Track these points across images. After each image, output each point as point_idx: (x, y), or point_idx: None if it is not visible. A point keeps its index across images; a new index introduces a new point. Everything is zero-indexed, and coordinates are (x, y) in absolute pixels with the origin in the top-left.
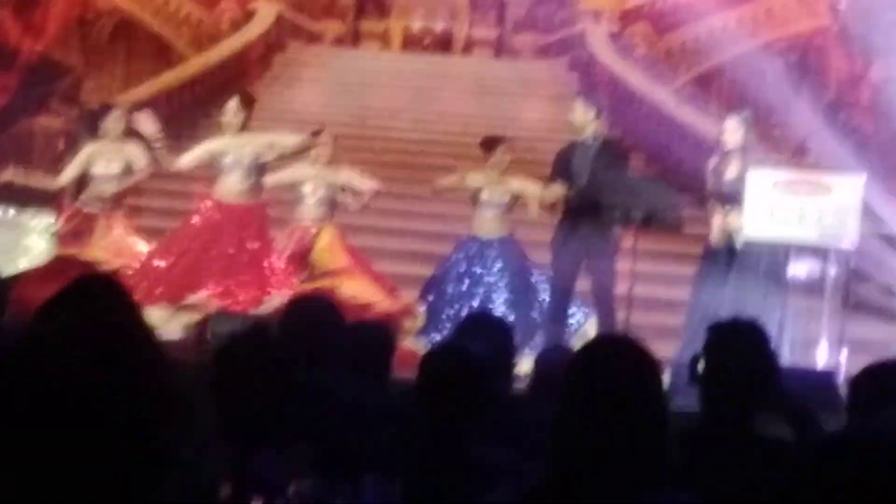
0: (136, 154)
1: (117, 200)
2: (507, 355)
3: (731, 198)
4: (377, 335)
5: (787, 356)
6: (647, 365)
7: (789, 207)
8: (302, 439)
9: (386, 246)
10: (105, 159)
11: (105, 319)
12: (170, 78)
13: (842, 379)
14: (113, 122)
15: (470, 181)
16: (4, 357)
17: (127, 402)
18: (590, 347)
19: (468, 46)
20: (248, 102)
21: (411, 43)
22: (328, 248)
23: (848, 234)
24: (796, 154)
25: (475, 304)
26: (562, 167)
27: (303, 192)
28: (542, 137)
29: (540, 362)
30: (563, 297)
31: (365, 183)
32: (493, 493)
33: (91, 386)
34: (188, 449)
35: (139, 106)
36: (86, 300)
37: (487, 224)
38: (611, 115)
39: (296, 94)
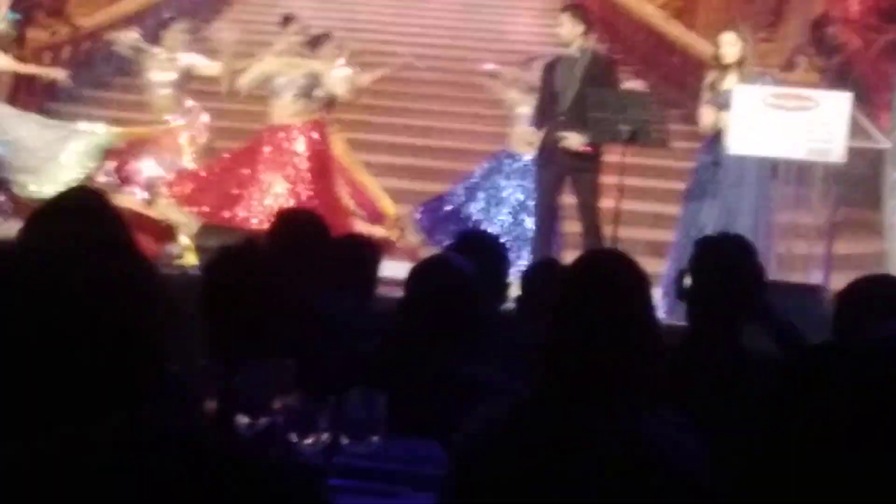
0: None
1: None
2: (498, 274)
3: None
4: (362, 250)
5: (775, 271)
6: (635, 279)
7: (776, 123)
8: (287, 354)
9: (374, 160)
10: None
11: (92, 230)
12: None
13: (828, 294)
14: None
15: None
16: None
17: (116, 312)
18: (578, 263)
19: None
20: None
21: None
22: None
23: (835, 150)
24: (785, 68)
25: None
26: (548, 81)
27: (276, 85)
28: (528, 51)
29: (527, 278)
30: (547, 212)
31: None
32: (479, 408)
33: (79, 295)
34: (175, 364)
35: (125, 19)
36: (72, 212)
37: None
38: (598, 29)
39: (282, 5)
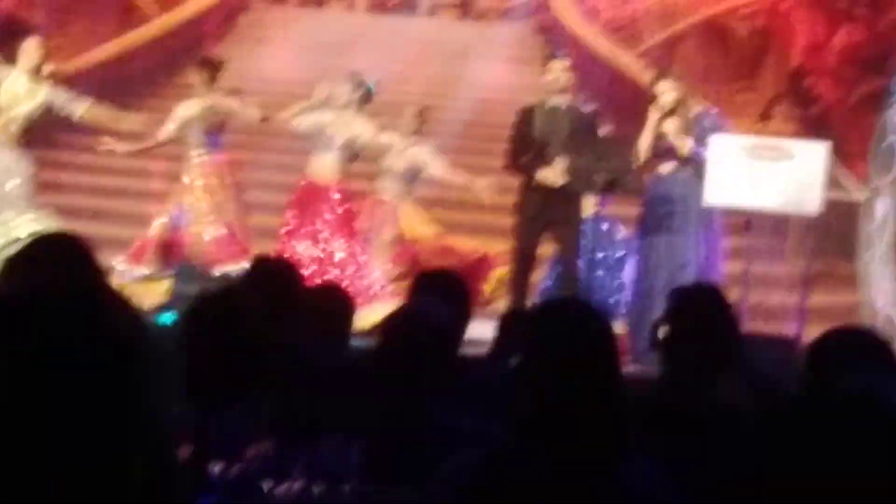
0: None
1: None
2: (463, 316)
3: (669, 153)
4: (337, 297)
5: (748, 322)
6: (601, 328)
7: (752, 173)
8: (262, 400)
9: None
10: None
11: (73, 277)
12: (133, 38)
13: (802, 345)
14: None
15: None
16: None
17: (102, 361)
18: (546, 310)
19: (433, 8)
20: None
21: (377, 4)
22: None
23: (812, 201)
24: (761, 119)
25: None
26: (526, 128)
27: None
28: (506, 100)
29: (502, 326)
30: (524, 261)
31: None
32: (454, 457)
33: (76, 349)
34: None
35: (103, 65)
36: (49, 257)
37: None
38: (576, 79)
39: (261, 54)
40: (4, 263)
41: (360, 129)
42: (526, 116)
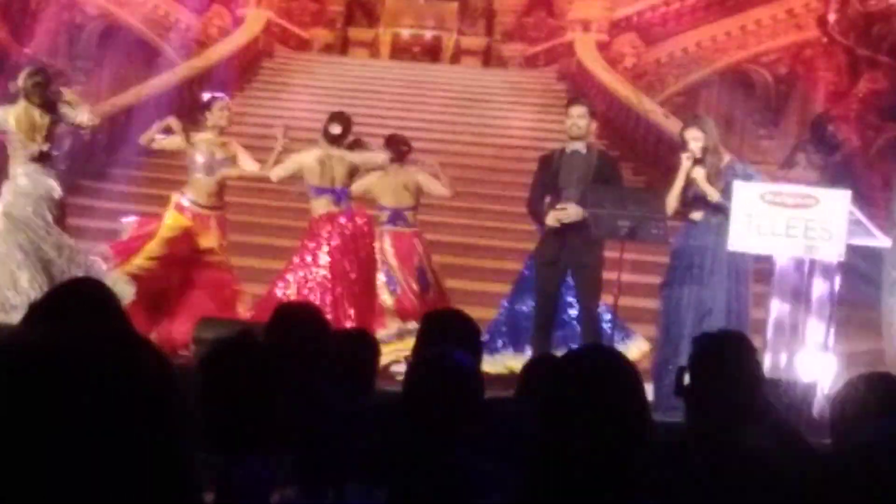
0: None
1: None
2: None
3: (699, 201)
4: (362, 344)
5: (771, 368)
6: (629, 375)
7: (776, 220)
8: (286, 447)
9: None
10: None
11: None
12: (157, 84)
13: (826, 392)
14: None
15: None
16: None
17: (137, 407)
18: (572, 358)
19: (456, 55)
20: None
21: (400, 51)
22: None
23: (834, 248)
24: (784, 165)
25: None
26: (545, 176)
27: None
28: (530, 146)
29: (526, 372)
30: (547, 304)
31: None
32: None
33: (99, 390)
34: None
35: (127, 111)
36: (74, 304)
37: None
38: (600, 125)
39: (284, 100)
40: (29, 310)
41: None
42: (546, 162)
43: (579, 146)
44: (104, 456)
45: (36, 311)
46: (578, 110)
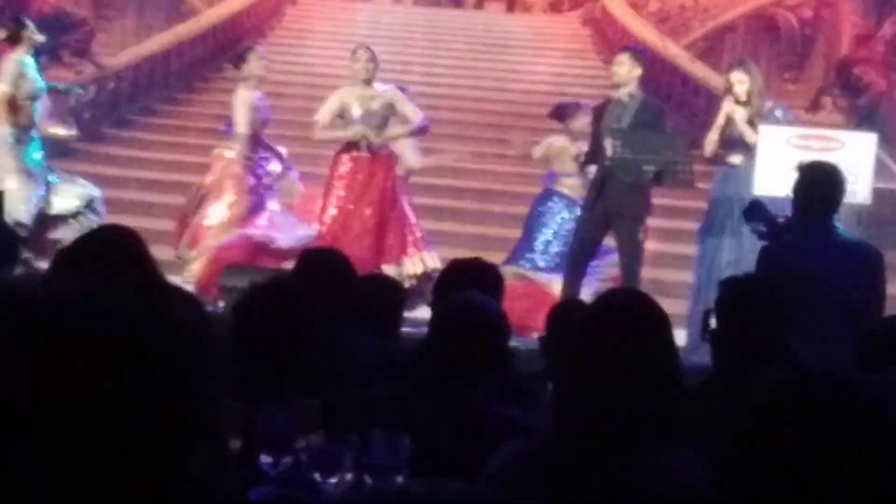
0: None
1: None
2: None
3: (739, 143)
4: (388, 289)
5: None
6: (657, 319)
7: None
8: (311, 394)
9: None
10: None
11: (131, 270)
12: (181, 31)
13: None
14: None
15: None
16: (26, 312)
17: (170, 352)
18: (601, 302)
19: (480, 1)
20: None
21: None
22: None
23: (861, 191)
24: (810, 109)
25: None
26: (597, 124)
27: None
28: (555, 92)
29: (551, 317)
30: (581, 250)
31: (416, 113)
32: (502, 448)
33: (132, 337)
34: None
35: (150, 59)
36: (105, 252)
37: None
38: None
39: (308, 47)
40: (58, 258)
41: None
42: (596, 114)
43: (622, 94)
44: (132, 405)
45: (64, 258)
46: (617, 57)
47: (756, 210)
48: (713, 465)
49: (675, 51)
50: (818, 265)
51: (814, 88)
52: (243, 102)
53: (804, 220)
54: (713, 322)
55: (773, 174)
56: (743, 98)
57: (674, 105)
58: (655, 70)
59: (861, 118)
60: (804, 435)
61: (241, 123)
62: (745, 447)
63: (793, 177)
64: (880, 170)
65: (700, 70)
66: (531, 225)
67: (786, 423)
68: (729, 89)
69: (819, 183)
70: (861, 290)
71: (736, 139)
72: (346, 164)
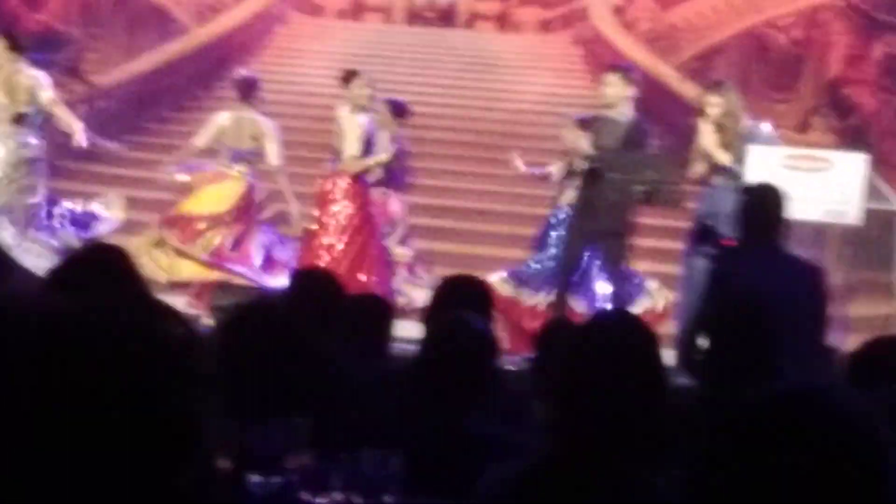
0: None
1: None
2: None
3: (719, 166)
4: (376, 308)
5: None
6: (645, 340)
7: (792, 184)
8: (301, 412)
9: None
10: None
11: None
12: (172, 50)
13: (841, 355)
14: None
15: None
16: (17, 330)
17: (156, 369)
18: (591, 323)
19: (471, 20)
20: None
21: (414, 16)
22: None
23: (851, 211)
24: (800, 129)
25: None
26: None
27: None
28: (545, 111)
29: (544, 337)
30: (566, 272)
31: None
32: (494, 469)
33: (117, 354)
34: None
35: (140, 77)
36: (95, 269)
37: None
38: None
39: (298, 66)
40: (50, 275)
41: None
42: (586, 128)
43: (612, 113)
44: (119, 423)
45: (56, 277)
46: (606, 77)
47: (705, 234)
48: (686, 480)
49: (664, 71)
50: (764, 282)
51: (804, 108)
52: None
53: (749, 240)
54: (702, 342)
55: None
56: (716, 121)
57: (665, 125)
58: (646, 90)
59: (851, 139)
60: (776, 450)
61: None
62: (717, 462)
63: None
64: (870, 190)
65: (690, 90)
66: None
67: (759, 439)
68: (701, 112)
69: (761, 203)
70: (804, 306)
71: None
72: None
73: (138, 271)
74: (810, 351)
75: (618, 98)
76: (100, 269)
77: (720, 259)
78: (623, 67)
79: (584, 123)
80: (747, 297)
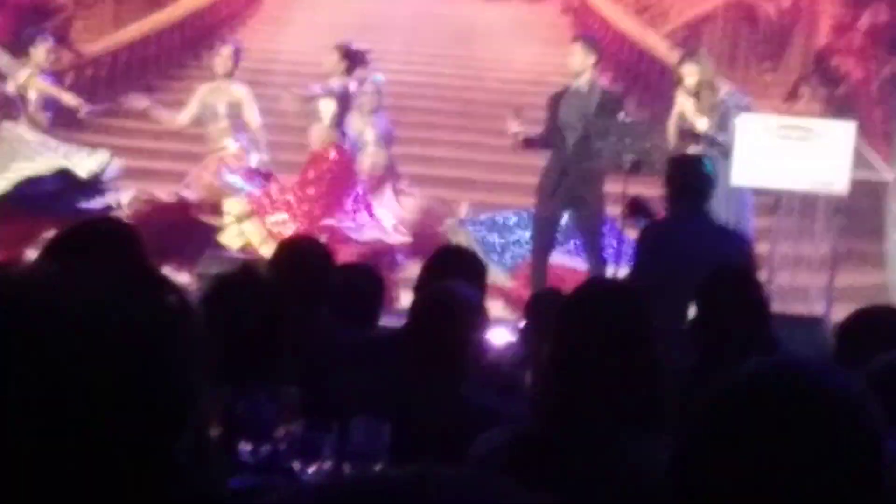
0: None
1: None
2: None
3: (694, 134)
4: (366, 278)
5: (777, 302)
6: (636, 308)
7: (780, 153)
8: (291, 382)
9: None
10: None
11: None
12: (160, 18)
13: (830, 325)
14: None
15: None
16: (22, 299)
17: (151, 338)
18: (580, 292)
19: None
20: None
21: None
22: None
23: (839, 181)
24: (788, 99)
25: None
26: (554, 112)
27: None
28: (534, 81)
29: (531, 306)
30: (542, 239)
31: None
32: (482, 437)
33: (112, 324)
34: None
35: (128, 46)
36: (94, 242)
37: None
38: (602, 59)
39: (288, 35)
40: (48, 248)
41: None
42: (552, 102)
43: (581, 83)
44: (113, 394)
45: (53, 247)
46: (571, 47)
47: (637, 206)
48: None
49: (653, 40)
50: (688, 246)
51: (792, 78)
52: None
53: (676, 207)
54: (692, 312)
55: (753, 164)
56: (693, 90)
57: (652, 94)
58: (634, 59)
59: (839, 108)
60: (762, 423)
61: None
62: (703, 434)
63: (772, 168)
64: (858, 160)
65: (678, 59)
66: None
67: (744, 411)
68: (679, 81)
69: (686, 172)
70: None
71: (689, 130)
72: None
73: (138, 243)
74: None
75: (583, 67)
76: (97, 240)
77: (649, 229)
78: (584, 36)
79: (553, 98)
80: (741, 270)
